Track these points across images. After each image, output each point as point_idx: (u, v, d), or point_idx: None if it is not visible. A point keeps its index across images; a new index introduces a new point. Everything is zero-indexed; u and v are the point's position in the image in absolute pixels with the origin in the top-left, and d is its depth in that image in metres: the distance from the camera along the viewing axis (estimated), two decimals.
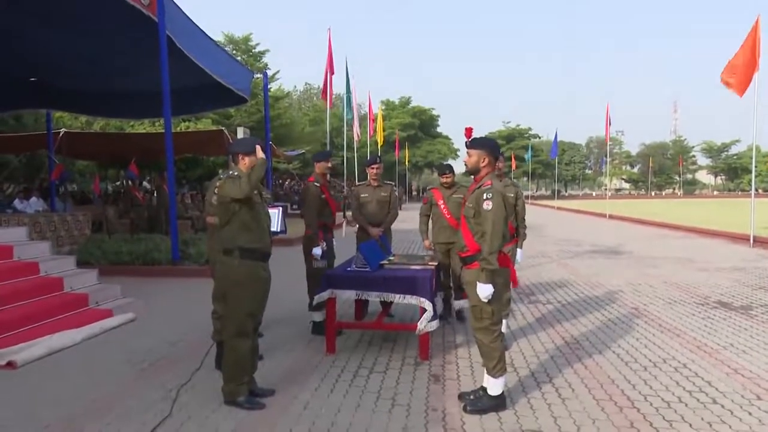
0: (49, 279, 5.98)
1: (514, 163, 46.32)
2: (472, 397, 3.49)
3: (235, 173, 3.46)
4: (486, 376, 3.45)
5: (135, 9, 7.32)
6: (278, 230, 4.18)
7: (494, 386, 3.40)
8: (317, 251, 5.04)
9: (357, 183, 7.77)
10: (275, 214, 4.10)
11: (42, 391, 3.82)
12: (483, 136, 3.83)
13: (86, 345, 4.92)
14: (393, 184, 5.91)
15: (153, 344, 4.88)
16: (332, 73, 15.19)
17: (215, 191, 3.59)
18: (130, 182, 16.80)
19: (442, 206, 5.46)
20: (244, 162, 3.54)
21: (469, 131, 3.72)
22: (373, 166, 5.62)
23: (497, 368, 3.39)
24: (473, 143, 3.53)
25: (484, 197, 3.34)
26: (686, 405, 3.51)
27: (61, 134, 14.30)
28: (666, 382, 3.91)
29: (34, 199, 13.30)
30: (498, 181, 3.45)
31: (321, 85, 16.02)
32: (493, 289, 3.31)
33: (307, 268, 5.22)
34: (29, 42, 9.08)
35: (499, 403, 3.41)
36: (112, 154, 17.59)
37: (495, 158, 3.51)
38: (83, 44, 9.21)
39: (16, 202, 12.77)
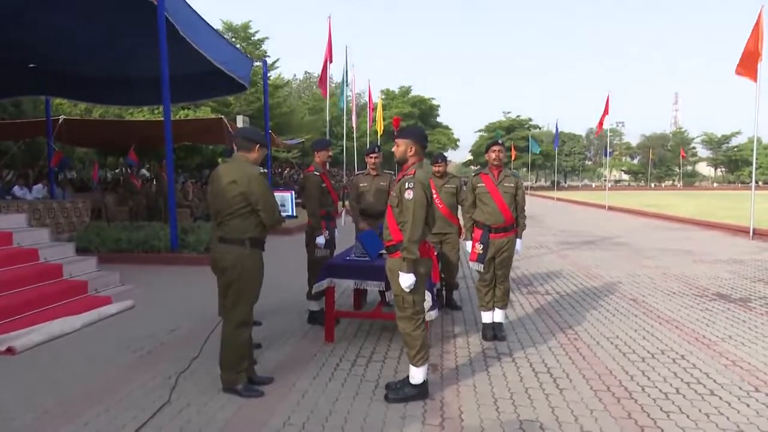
0: (48, 266, 5.98)
1: (513, 154, 46.21)
2: (397, 386, 3.49)
3: (262, 170, 3.54)
4: (409, 365, 3.45)
5: None
6: (292, 214, 4.09)
7: (416, 375, 3.42)
8: (320, 240, 5.03)
9: (356, 172, 7.75)
10: (288, 197, 4.03)
11: (41, 376, 3.82)
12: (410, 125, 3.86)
13: (85, 332, 4.93)
14: (392, 173, 5.88)
15: (152, 331, 4.89)
16: (330, 61, 15.15)
17: (235, 182, 3.42)
18: (129, 170, 16.75)
19: (435, 196, 5.43)
20: (261, 152, 3.58)
21: (396, 122, 3.77)
22: (372, 155, 5.59)
23: (418, 357, 3.40)
24: (400, 132, 3.53)
25: (406, 186, 3.34)
26: (684, 396, 3.52)
27: (60, 121, 14.23)
28: (664, 373, 3.92)
29: (39, 186, 13.29)
30: (422, 171, 3.43)
31: (320, 74, 16.00)
32: (414, 279, 3.32)
33: (308, 258, 5.22)
34: (28, 27, 9.00)
35: (421, 392, 3.42)
36: (111, 141, 17.51)
37: (422, 147, 3.49)
38: (83, 29, 9.14)
39: (16, 189, 12.74)
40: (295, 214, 4.14)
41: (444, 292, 5.76)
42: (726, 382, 3.75)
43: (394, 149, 3.53)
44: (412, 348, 3.42)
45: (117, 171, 23.55)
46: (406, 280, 3.31)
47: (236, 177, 3.43)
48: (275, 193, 3.85)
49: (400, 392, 3.42)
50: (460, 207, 5.76)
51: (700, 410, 3.31)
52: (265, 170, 4.00)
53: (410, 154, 3.45)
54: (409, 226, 3.29)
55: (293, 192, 4.17)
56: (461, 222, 5.40)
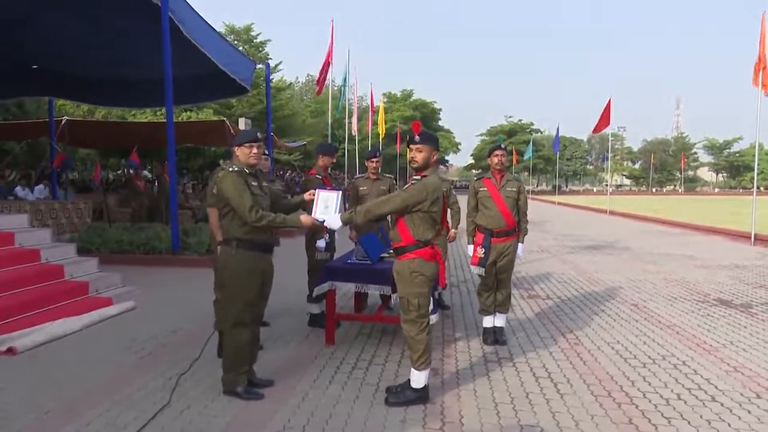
0: (49, 266, 5.98)
1: (515, 158, 46.21)
2: (398, 389, 3.49)
3: (236, 168, 3.44)
4: (411, 368, 3.45)
5: None
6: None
7: (417, 379, 3.41)
8: (321, 243, 5.03)
9: (356, 175, 7.76)
10: (333, 198, 3.63)
11: (42, 377, 3.82)
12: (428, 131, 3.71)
13: (86, 332, 4.93)
14: (392, 176, 5.89)
15: (153, 333, 4.89)
16: (330, 63, 15.35)
17: (215, 182, 3.55)
18: (132, 171, 16.76)
19: None
20: (241, 151, 3.51)
21: (417, 126, 3.64)
22: (372, 159, 5.61)
23: (421, 361, 3.39)
24: (424, 138, 3.45)
25: (411, 183, 3.39)
26: (685, 402, 3.51)
27: (63, 122, 14.28)
28: (665, 379, 3.92)
29: (41, 186, 13.30)
30: (435, 176, 3.42)
31: (319, 74, 16.26)
32: (339, 224, 3.48)
33: (309, 261, 5.22)
34: (31, 29, 9.03)
35: (421, 396, 3.42)
36: (113, 142, 17.55)
37: (438, 152, 3.53)
38: (86, 30, 9.16)
39: (18, 189, 12.75)
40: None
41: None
42: (727, 389, 3.74)
43: (413, 155, 3.43)
44: (416, 351, 3.41)
45: (119, 172, 23.56)
46: (335, 222, 3.47)
47: (217, 178, 3.50)
48: (321, 193, 3.67)
49: (401, 396, 3.42)
50: (449, 209, 5.81)
51: (701, 416, 3.31)
52: (235, 168, 3.57)
53: (433, 160, 3.43)
54: (381, 202, 3.40)
55: (341, 192, 3.71)
56: (449, 224, 5.39)
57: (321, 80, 15.97)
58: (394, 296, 4.27)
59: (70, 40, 9.70)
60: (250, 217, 3.35)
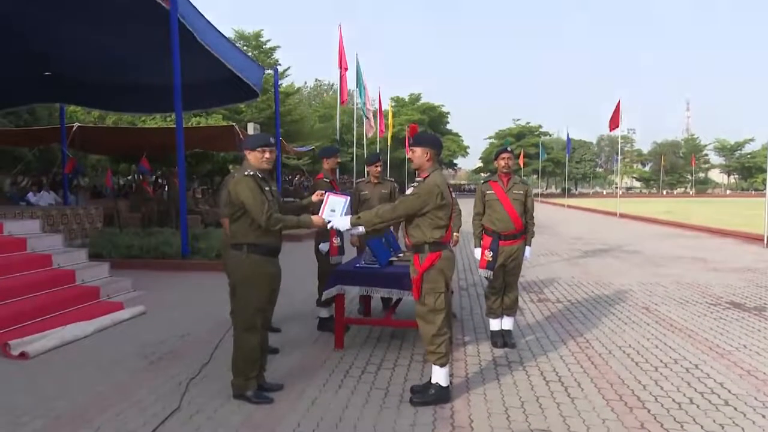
0: (61, 271, 6.04)
1: (522, 161, 46.01)
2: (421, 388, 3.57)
3: (251, 172, 3.45)
4: (433, 366, 3.52)
5: None
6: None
7: (441, 376, 3.50)
8: (324, 247, 5.05)
9: (356, 180, 7.83)
10: (340, 203, 3.73)
11: (53, 381, 3.85)
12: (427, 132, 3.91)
13: (97, 337, 4.97)
14: (393, 180, 5.95)
15: (163, 337, 4.91)
16: (346, 69, 15.36)
17: (230, 189, 3.55)
18: (141, 177, 16.90)
19: None
20: (253, 155, 3.54)
21: (413, 129, 3.76)
22: (376, 164, 5.65)
23: (437, 357, 3.49)
24: (417, 140, 3.57)
25: (414, 185, 3.47)
26: (698, 406, 3.47)
27: (74, 128, 14.41)
28: (677, 383, 3.88)
29: (43, 192, 13.44)
30: (439, 176, 3.50)
31: (331, 81, 16.40)
32: (347, 227, 3.54)
33: (319, 266, 5.23)
34: (44, 36, 9.15)
35: (444, 395, 3.51)
36: (124, 148, 17.67)
37: (437, 153, 3.57)
38: (97, 37, 9.26)
39: (30, 195, 12.91)
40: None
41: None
42: (741, 393, 3.70)
43: (409, 156, 3.59)
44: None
45: (129, 178, 23.73)
46: (343, 224, 3.54)
47: (229, 184, 3.53)
48: (331, 197, 3.77)
49: (426, 395, 3.48)
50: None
51: (714, 420, 3.27)
52: (249, 172, 3.62)
53: (427, 159, 3.52)
54: (389, 209, 3.48)
55: (348, 198, 3.84)
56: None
57: (343, 89, 16.08)
58: (407, 295, 4.27)
59: (81, 47, 9.81)
60: (267, 221, 3.37)
